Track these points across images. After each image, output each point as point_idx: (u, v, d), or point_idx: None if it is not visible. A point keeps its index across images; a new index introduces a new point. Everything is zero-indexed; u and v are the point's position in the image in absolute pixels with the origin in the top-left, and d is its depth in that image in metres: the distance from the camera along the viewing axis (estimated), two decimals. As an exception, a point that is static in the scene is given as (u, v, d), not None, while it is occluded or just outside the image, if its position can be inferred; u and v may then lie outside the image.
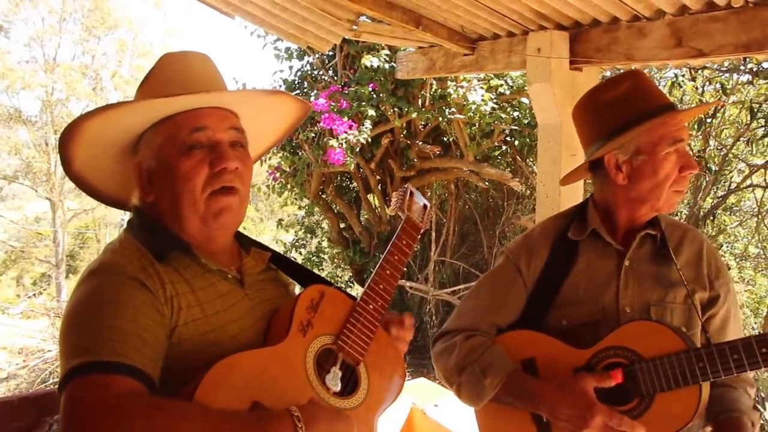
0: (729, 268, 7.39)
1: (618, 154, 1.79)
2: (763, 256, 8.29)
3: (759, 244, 8.25)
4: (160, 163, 1.39)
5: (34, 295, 15.92)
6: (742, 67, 6.66)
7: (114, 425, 1.08)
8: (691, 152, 6.66)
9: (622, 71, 2.12)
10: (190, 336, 1.33)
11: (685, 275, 1.77)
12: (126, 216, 1.52)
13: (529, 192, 7.88)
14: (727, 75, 7.06)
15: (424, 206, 1.78)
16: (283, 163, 7.43)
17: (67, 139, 1.35)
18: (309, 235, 9.65)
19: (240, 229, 1.56)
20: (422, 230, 1.72)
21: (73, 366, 1.17)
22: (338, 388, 1.43)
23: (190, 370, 1.26)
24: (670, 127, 1.73)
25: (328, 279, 1.86)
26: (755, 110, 6.32)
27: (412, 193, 1.75)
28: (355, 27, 3.89)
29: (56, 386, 1.21)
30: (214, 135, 1.39)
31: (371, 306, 1.55)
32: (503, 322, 1.88)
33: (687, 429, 1.68)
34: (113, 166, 1.46)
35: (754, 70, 6.49)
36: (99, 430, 1.08)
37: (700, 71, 6.93)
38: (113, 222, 19.62)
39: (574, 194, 3.71)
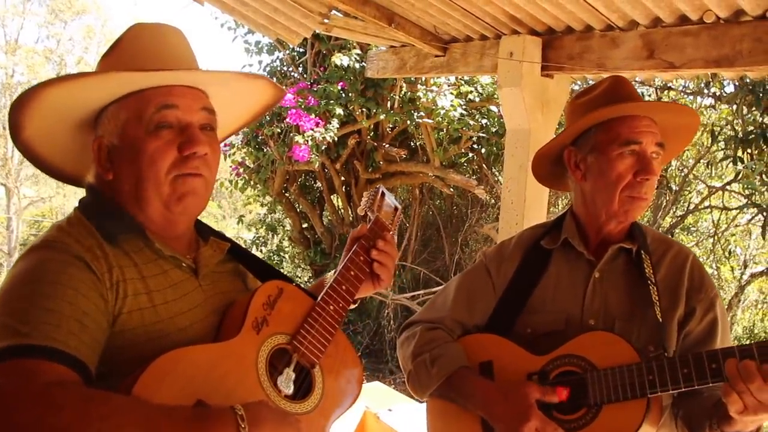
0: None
1: (576, 151, 1.79)
2: (716, 277, 8.47)
3: (713, 264, 8.42)
4: (123, 141, 1.30)
5: (-18, 282, 15.39)
6: (705, 91, 6.78)
7: (38, 417, 0.98)
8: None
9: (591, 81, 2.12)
10: (135, 326, 1.24)
11: (660, 290, 1.70)
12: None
13: (493, 201, 7.90)
14: (691, 97, 7.19)
15: (395, 208, 1.74)
16: (247, 158, 7.31)
17: (22, 106, 1.25)
18: (270, 233, 9.53)
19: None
20: (390, 232, 1.67)
21: None
22: (290, 390, 1.35)
23: (132, 362, 1.17)
24: (627, 128, 1.69)
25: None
26: (716, 133, 6.46)
27: (383, 194, 1.71)
28: (326, 21, 3.82)
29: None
30: (184, 116, 1.31)
31: (332, 307, 1.48)
32: (469, 321, 1.86)
33: None
34: (68, 139, 1.36)
35: (717, 94, 6.62)
36: (20, 422, 0.98)
37: (665, 92, 7.04)
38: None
39: (539, 202, 3.69)
